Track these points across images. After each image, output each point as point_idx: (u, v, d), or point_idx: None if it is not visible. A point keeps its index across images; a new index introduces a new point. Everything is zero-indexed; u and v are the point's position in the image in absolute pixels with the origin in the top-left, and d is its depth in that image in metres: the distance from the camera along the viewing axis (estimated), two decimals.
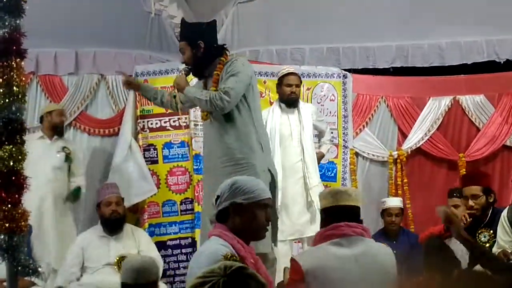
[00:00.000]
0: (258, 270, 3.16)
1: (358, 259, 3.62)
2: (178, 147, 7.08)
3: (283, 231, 6.12)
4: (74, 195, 6.71)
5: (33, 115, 7.24)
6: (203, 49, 4.97)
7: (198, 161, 6.81)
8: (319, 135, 6.76)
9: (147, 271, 4.22)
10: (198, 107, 5.49)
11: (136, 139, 7.03)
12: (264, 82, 7.19)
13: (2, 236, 4.19)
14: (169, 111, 6.99)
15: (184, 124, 7.03)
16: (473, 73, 7.91)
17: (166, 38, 7.55)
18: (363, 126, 7.75)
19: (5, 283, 4.56)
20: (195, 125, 6.91)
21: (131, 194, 6.74)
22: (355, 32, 7.75)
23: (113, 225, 6.06)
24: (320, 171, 6.66)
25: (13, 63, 4.29)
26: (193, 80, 5.53)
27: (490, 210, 5.75)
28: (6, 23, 4.28)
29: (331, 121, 7.33)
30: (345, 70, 7.65)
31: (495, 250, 5.36)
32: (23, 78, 4.40)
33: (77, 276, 5.90)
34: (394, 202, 7.15)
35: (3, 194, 4.19)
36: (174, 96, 5.17)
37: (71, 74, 7.48)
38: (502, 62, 7.80)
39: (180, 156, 7.08)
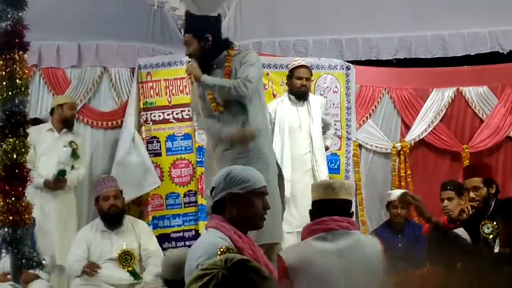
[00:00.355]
0: (258, 260, 3.14)
1: (343, 253, 3.60)
2: (181, 139, 7.08)
3: (291, 223, 6.18)
4: (59, 175, 6.53)
5: (36, 108, 7.25)
6: (211, 42, 4.99)
7: (201, 153, 6.80)
8: (324, 127, 6.77)
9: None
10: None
11: (139, 131, 7.04)
12: (267, 74, 7.17)
13: (6, 229, 4.21)
14: (173, 103, 7.03)
15: (187, 116, 7.03)
16: (477, 64, 7.89)
17: (168, 31, 7.54)
18: (366, 118, 7.73)
19: (9, 276, 4.58)
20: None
21: (134, 187, 6.75)
22: (358, 23, 7.72)
23: (112, 219, 6.03)
24: None
25: (16, 56, 4.30)
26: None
27: (493, 202, 5.74)
28: (9, 16, 4.29)
29: (334, 113, 7.32)
30: (348, 61, 7.63)
31: (498, 241, 5.35)
32: (26, 71, 4.41)
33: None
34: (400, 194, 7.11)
35: (6, 187, 4.21)
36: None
37: (74, 67, 7.48)
38: (505, 53, 7.76)
39: (183, 149, 7.08)
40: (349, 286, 3.55)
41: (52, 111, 6.85)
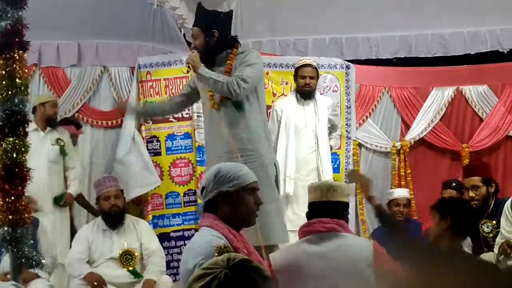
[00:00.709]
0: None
1: (326, 255, 3.61)
2: (181, 138, 7.08)
3: (294, 222, 6.20)
4: (57, 202, 6.62)
5: None
6: (216, 38, 4.98)
7: (201, 152, 6.81)
8: (331, 128, 6.77)
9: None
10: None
11: (139, 131, 7.03)
12: (267, 73, 7.17)
13: (6, 228, 4.21)
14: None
15: (187, 115, 7.03)
16: (477, 63, 7.90)
17: (169, 30, 7.53)
18: (366, 117, 7.74)
19: (9, 276, 4.58)
20: (198, 116, 6.89)
21: (134, 186, 6.75)
22: (358, 22, 7.73)
23: (113, 219, 6.00)
24: None
25: (15, 55, 4.29)
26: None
27: (493, 201, 5.75)
28: (9, 15, 4.29)
29: None
30: (348, 61, 7.63)
31: (498, 240, 5.35)
32: (26, 70, 4.40)
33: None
34: (402, 192, 7.11)
35: (6, 186, 4.20)
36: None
37: (73, 66, 7.48)
38: (505, 52, 7.77)
39: (183, 148, 7.08)
40: None
41: (34, 110, 6.69)
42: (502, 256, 5.23)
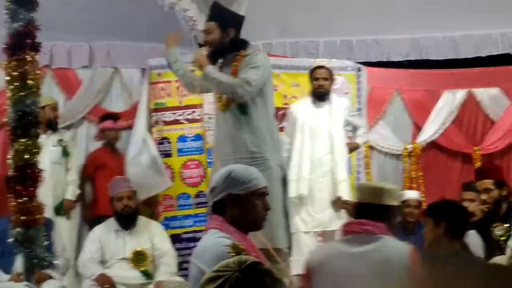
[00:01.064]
0: None
1: (361, 256, 3.62)
2: (192, 140, 7.08)
3: (307, 223, 6.21)
4: (58, 211, 6.67)
5: None
6: (231, 37, 4.98)
7: (212, 154, 6.80)
8: (353, 129, 6.77)
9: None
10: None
11: (150, 132, 7.03)
12: (278, 75, 7.16)
13: (18, 229, 4.22)
14: (184, 104, 7.02)
15: (198, 117, 7.04)
16: (488, 66, 7.87)
17: (179, 31, 7.53)
18: (378, 120, 7.72)
19: (22, 276, 4.59)
20: (209, 118, 6.89)
21: (146, 188, 6.75)
22: (369, 25, 7.71)
23: (126, 219, 6.06)
24: None
25: (27, 56, 4.31)
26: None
27: (505, 204, 5.72)
28: (21, 17, 4.31)
29: None
30: (359, 63, 7.62)
31: (510, 243, 5.33)
32: (38, 72, 4.42)
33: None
34: (413, 194, 7.09)
35: (18, 187, 4.22)
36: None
37: (85, 68, 7.50)
38: None
39: (194, 150, 7.07)
40: None
41: None
42: None
